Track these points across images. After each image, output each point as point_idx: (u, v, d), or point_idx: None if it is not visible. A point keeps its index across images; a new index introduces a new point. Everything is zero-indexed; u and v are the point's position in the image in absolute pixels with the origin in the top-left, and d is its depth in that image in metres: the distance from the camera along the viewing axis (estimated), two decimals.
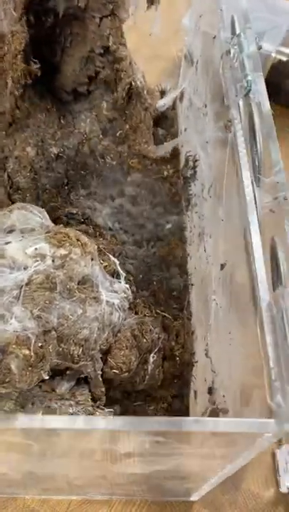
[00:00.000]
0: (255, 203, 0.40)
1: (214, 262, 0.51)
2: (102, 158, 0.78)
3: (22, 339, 0.43)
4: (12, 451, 0.37)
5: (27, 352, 0.43)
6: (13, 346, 0.42)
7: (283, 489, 0.59)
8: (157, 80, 0.87)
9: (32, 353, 0.43)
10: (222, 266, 0.47)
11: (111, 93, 0.77)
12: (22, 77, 0.68)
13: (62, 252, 0.50)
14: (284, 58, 0.97)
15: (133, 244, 0.70)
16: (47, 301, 0.46)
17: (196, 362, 0.57)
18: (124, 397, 0.58)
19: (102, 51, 0.73)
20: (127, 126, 0.78)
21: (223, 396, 0.43)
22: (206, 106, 0.60)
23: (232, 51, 0.50)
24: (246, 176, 0.41)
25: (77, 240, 0.53)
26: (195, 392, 0.57)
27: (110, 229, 0.71)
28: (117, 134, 0.78)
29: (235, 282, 0.43)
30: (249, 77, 0.46)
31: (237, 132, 0.45)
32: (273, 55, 0.97)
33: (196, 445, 0.33)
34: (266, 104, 0.46)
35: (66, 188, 0.75)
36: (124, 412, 0.58)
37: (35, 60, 0.68)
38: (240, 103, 0.48)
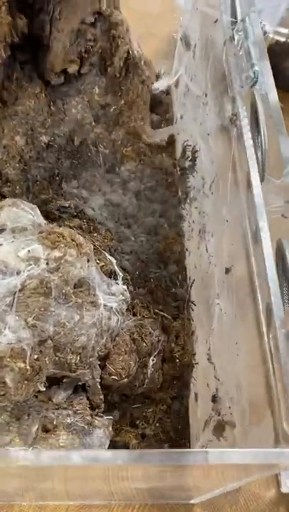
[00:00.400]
0: (267, 205, 0.37)
1: (217, 264, 0.48)
2: (94, 147, 0.74)
3: (17, 351, 0.40)
4: (7, 477, 0.35)
5: (22, 365, 0.40)
6: (8, 359, 0.40)
7: (284, 489, 0.58)
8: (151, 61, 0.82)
9: (28, 366, 0.40)
10: (227, 270, 0.44)
11: (104, 71, 0.72)
12: (8, 34, 0.62)
13: (57, 254, 0.47)
14: (282, 39, 0.93)
15: (129, 238, 0.67)
16: (42, 308, 0.44)
17: (197, 364, 0.55)
18: (122, 399, 0.56)
19: (93, 20, 0.67)
20: (122, 102, 0.73)
21: (229, 407, 0.41)
22: (206, 95, 0.56)
23: (236, 37, 0.47)
24: (255, 176, 0.38)
25: (72, 240, 0.50)
26: (196, 394, 0.55)
27: (105, 222, 0.68)
28: (111, 110, 0.73)
29: (243, 289, 0.40)
30: (256, 67, 0.43)
31: (243, 127, 0.42)
32: (271, 35, 0.93)
33: (203, 471, 0.31)
34: (274, 96, 0.43)
35: (57, 179, 0.72)
36: (122, 416, 0.56)
37: (21, 16, 0.62)
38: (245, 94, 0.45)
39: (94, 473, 0.34)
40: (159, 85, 0.82)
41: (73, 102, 0.75)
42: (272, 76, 0.44)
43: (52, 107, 0.75)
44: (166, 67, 0.83)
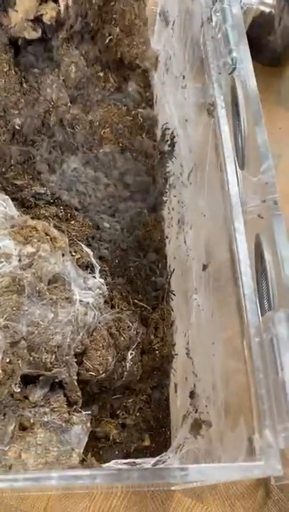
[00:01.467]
0: (243, 204, 0.36)
1: (195, 258, 0.47)
2: (71, 129, 0.72)
3: None
4: None
5: None
6: None
7: None
8: None
9: (0, 371, 0.39)
10: (204, 266, 0.43)
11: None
12: None
13: (30, 249, 0.46)
14: (267, 9, 0.89)
15: (107, 225, 0.65)
16: (14, 308, 0.43)
17: (176, 354, 0.55)
18: (102, 391, 0.56)
19: None
20: (118, 30, 0.66)
21: (206, 406, 0.41)
22: (184, 77, 0.54)
23: (214, 19, 0.44)
24: (232, 173, 0.37)
25: (46, 234, 0.48)
26: (175, 384, 0.55)
27: (82, 209, 0.66)
28: (106, 42, 0.67)
29: (219, 288, 0.39)
30: (234, 54, 0.41)
31: (221, 119, 0.40)
32: (255, 6, 0.89)
33: None
34: (253, 85, 0.41)
35: (33, 163, 0.69)
36: (102, 406, 0.56)
37: None
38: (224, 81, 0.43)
39: None
40: None
41: (48, 80, 0.71)
42: (251, 63, 0.41)
43: (24, 85, 0.71)
44: None
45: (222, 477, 0.27)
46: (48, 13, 0.64)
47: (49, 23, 0.65)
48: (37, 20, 0.65)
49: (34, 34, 0.66)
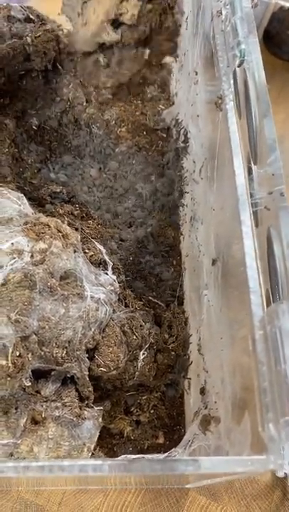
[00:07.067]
0: (250, 196, 0.36)
1: (206, 253, 0.47)
2: (87, 128, 0.72)
3: None
4: None
5: (4, 362, 0.40)
6: None
7: (280, 473, 0.58)
8: None
9: (10, 364, 0.40)
10: (213, 261, 0.43)
11: None
12: None
13: (42, 245, 0.46)
14: (286, 4, 0.88)
15: (123, 222, 0.66)
16: (26, 303, 0.43)
17: (190, 352, 0.54)
18: (116, 388, 0.56)
19: None
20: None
21: (215, 402, 0.40)
22: (196, 73, 0.53)
23: (224, 12, 0.44)
24: (238, 164, 0.36)
25: (58, 230, 0.49)
26: (189, 382, 0.55)
27: (98, 207, 0.67)
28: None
29: (227, 283, 0.39)
30: (242, 46, 0.40)
31: (228, 111, 0.39)
32: (274, 1, 0.88)
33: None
34: (262, 77, 0.40)
35: (50, 163, 0.70)
36: (117, 403, 0.56)
37: None
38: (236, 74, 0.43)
39: None
40: None
41: (64, 80, 0.72)
42: (260, 55, 0.41)
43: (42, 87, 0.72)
44: None
45: (223, 469, 0.26)
46: (129, 11, 0.58)
47: (129, 23, 0.59)
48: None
49: (114, 36, 0.60)
